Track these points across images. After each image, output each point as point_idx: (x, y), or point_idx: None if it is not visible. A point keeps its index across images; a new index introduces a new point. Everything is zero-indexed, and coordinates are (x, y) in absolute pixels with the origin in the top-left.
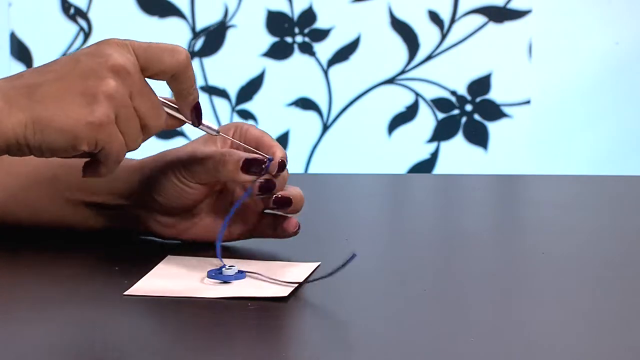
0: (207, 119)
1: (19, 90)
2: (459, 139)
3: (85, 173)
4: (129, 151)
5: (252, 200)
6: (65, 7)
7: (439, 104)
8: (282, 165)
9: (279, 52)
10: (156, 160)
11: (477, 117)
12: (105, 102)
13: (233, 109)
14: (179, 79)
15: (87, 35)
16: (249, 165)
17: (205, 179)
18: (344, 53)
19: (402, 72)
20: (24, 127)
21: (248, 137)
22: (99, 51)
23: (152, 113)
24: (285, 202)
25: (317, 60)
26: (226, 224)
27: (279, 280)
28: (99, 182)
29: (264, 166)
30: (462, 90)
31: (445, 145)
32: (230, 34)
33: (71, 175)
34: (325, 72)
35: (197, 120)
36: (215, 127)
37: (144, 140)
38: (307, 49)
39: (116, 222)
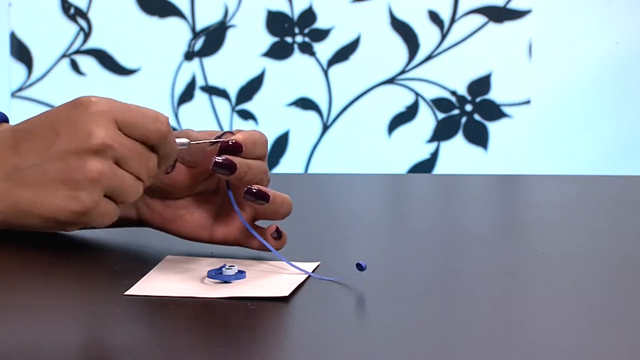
0: (207, 119)
1: (0, 172)
2: (459, 139)
3: None
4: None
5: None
6: (65, 7)
7: (439, 104)
8: (233, 146)
9: (279, 52)
10: None
11: (477, 117)
12: (89, 187)
13: (233, 109)
14: (159, 146)
15: (87, 35)
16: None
17: (187, 160)
18: (344, 53)
19: (402, 72)
20: (3, 214)
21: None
22: (79, 126)
23: (142, 167)
24: (258, 195)
25: (317, 60)
26: (238, 208)
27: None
28: None
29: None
30: (462, 90)
31: (445, 145)
32: (230, 34)
33: None
34: (325, 72)
35: (170, 171)
36: (185, 140)
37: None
38: (307, 49)
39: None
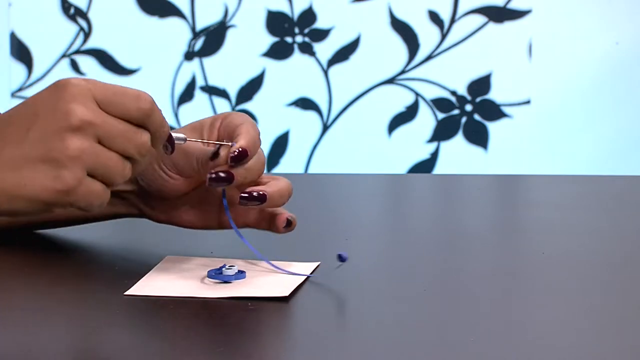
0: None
1: None
2: (459, 139)
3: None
4: (117, 186)
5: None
6: (65, 7)
7: (439, 104)
8: (239, 155)
9: (279, 52)
10: None
11: (477, 117)
12: (71, 165)
13: (233, 109)
14: (145, 124)
15: (87, 35)
16: (214, 157)
17: (189, 174)
18: (344, 53)
19: (402, 72)
20: None
21: (226, 124)
22: (58, 106)
23: (131, 145)
24: (254, 198)
25: (317, 60)
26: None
27: (284, 273)
28: None
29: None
30: (462, 90)
31: (445, 145)
32: (230, 34)
33: None
34: (325, 72)
35: (170, 151)
36: (182, 135)
37: (139, 169)
38: (307, 49)
39: (112, 206)
